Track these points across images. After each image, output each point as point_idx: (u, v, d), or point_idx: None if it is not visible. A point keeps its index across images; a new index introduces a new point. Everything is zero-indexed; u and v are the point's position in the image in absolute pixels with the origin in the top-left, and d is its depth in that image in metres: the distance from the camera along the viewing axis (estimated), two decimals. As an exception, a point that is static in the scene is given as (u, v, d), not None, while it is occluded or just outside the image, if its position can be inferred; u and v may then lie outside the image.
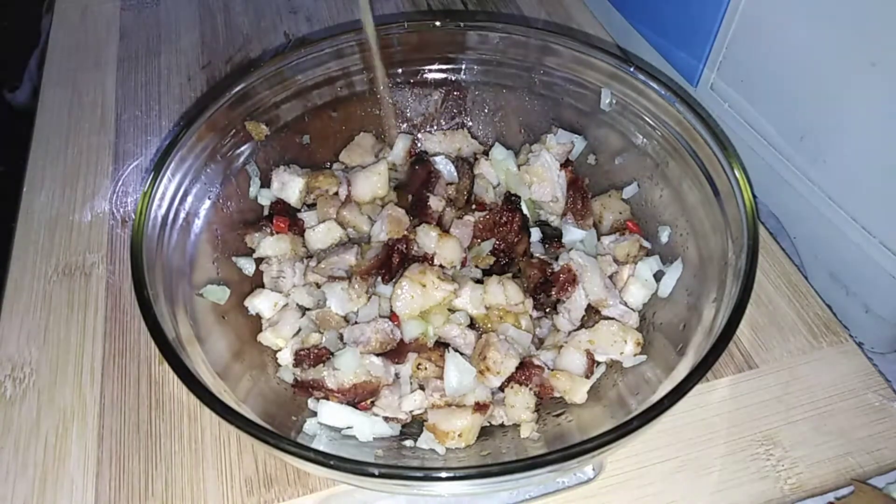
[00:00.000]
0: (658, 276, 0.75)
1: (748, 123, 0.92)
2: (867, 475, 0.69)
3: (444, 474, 0.52)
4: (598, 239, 0.80)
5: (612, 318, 0.73)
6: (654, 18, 1.08)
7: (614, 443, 0.53)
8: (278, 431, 0.55)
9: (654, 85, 0.75)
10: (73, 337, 0.81)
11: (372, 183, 0.82)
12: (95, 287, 0.85)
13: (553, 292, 0.73)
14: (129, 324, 0.81)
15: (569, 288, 0.73)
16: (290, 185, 0.82)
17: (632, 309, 0.74)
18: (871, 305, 0.84)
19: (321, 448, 0.54)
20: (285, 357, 0.73)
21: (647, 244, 0.78)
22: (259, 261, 0.79)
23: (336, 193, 0.83)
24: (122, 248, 0.89)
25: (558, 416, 0.69)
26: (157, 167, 0.69)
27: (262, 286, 0.77)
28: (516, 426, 0.69)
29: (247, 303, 0.75)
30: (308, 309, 0.76)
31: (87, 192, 0.96)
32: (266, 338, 0.73)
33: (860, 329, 0.84)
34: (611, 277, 0.76)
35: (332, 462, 0.52)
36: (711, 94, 0.97)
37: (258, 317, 0.76)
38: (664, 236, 0.78)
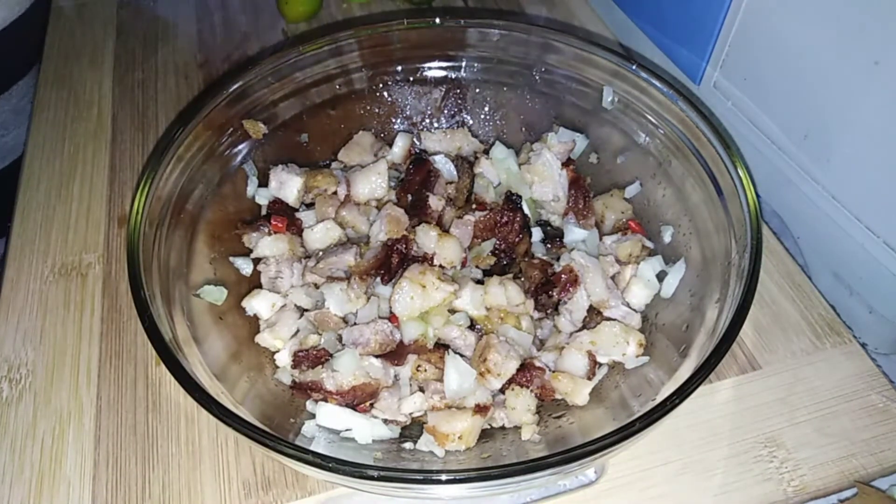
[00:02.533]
0: (661, 277, 0.74)
1: (751, 122, 0.92)
2: (871, 477, 0.68)
3: (443, 477, 0.52)
4: (600, 239, 0.80)
5: (614, 319, 0.72)
6: (656, 15, 1.07)
7: (616, 445, 0.53)
8: (276, 434, 0.55)
9: (657, 83, 0.74)
10: (69, 338, 0.80)
11: (371, 182, 0.81)
12: (92, 287, 0.85)
13: (554, 293, 0.73)
14: (126, 325, 0.81)
15: (570, 288, 0.72)
16: (288, 185, 0.81)
17: (634, 310, 0.74)
18: (875, 306, 0.83)
19: (319, 450, 0.54)
20: (283, 358, 0.72)
21: (649, 244, 0.78)
22: (257, 261, 0.78)
23: (335, 193, 0.83)
24: (118, 247, 0.89)
25: (559, 418, 0.69)
26: (154, 166, 0.68)
27: (260, 287, 0.76)
28: (517, 428, 0.68)
29: (244, 303, 0.74)
30: (306, 310, 0.75)
31: (83, 191, 0.95)
32: (264, 339, 0.73)
33: (864, 330, 0.84)
34: (613, 278, 0.76)
35: (330, 465, 0.52)
36: (714, 92, 0.97)
37: (256, 318, 0.75)
38: (667, 236, 0.77)
